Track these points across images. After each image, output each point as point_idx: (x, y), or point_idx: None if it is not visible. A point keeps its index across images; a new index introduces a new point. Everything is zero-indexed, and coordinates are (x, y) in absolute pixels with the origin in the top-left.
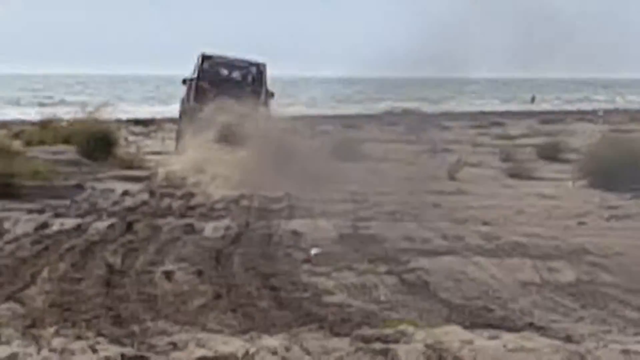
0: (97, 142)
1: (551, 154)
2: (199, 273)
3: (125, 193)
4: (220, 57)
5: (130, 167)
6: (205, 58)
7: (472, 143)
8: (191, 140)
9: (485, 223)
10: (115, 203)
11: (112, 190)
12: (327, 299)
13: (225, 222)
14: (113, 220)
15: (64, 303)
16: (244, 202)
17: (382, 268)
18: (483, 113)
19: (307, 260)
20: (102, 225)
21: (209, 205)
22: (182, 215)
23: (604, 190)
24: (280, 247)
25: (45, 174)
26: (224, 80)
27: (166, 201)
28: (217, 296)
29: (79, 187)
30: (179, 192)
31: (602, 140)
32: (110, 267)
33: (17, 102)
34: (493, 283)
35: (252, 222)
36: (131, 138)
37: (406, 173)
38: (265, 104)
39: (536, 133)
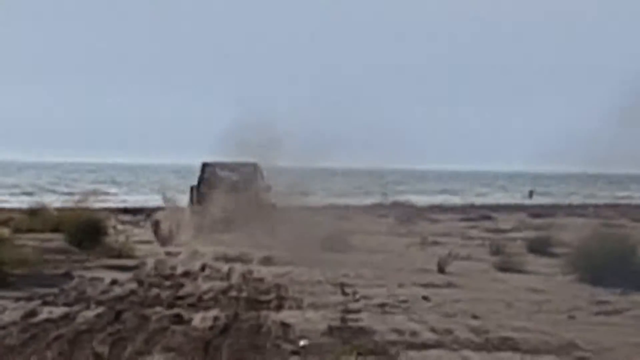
0: (86, 231)
1: (541, 247)
2: None
3: (114, 282)
4: (218, 163)
5: (119, 256)
6: (205, 165)
7: (461, 236)
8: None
9: (474, 316)
10: (103, 292)
11: (101, 279)
12: None
13: (214, 312)
14: (101, 309)
15: None
16: (233, 293)
17: None
18: (473, 206)
19: (296, 352)
20: (90, 314)
21: (197, 295)
22: (171, 305)
23: (593, 285)
24: (269, 338)
25: (34, 262)
26: (222, 182)
27: (154, 291)
28: None
29: (68, 275)
30: (167, 282)
31: (592, 235)
32: (98, 357)
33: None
34: None
35: (241, 312)
36: (120, 227)
37: (396, 265)
38: (260, 196)
39: (526, 227)
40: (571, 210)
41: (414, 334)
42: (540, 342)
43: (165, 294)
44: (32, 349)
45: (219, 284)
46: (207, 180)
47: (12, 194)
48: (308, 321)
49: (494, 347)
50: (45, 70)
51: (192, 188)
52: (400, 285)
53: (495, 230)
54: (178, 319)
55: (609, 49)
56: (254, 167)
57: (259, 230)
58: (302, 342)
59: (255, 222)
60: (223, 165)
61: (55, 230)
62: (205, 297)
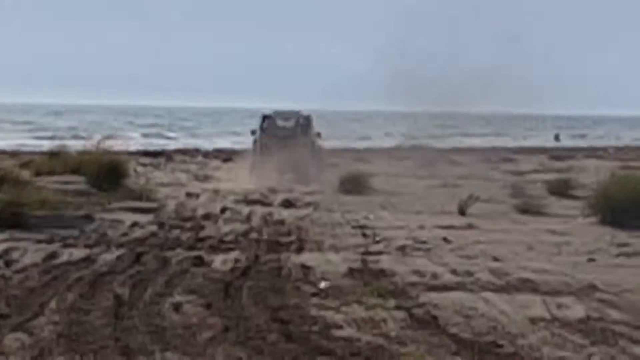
0: (107, 173)
1: (561, 190)
2: (208, 305)
3: (134, 224)
4: (276, 112)
5: (139, 199)
6: (265, 117)
7: (482, 178)
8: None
9: (495, 259)
10: (124, 234)
11: (121, 222)
12: (336, 332)
13: (235, 254)
14: (122, 251)
15: (71, 334)
16: (253, 235)
17: (391, 302)
18: (494, 149)
19: (316, 294)
20: (110, 256)
21: (218, 238)
22: (191, 247)
23: (614, 227)
24: (289, 280)
25: (54, 204)
26: (280, 129)
27: (175, 233)
28: (226, 329)
29: (88, 217)
30: (187, 224)
31: (612, 178)
32: (118, 299)
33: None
34: (502, 319)
35: (261, 255)
36: (140, 169)
37: (416, 207)
38: (313, 142)
39: (547, 169)
40: (591, 152)
41: (434, 276)
42: (560, 284)
43: (185, 236)
44: (53, 291)
45: (240, 226)
46: (266, 128)
47: (34, 137)
48: (328, 263)
49: (514, 288)
50: (79, 11)
51: (254, 138)
52: (421, 227)
53: (516, 173)
54: (198, 261)
55: None
56: (307, 116)
57: (309, 172)
58: (322, 284)
59: (306, 164)
60: (280, 115)
61: (75, 172)
62: (226, 239)
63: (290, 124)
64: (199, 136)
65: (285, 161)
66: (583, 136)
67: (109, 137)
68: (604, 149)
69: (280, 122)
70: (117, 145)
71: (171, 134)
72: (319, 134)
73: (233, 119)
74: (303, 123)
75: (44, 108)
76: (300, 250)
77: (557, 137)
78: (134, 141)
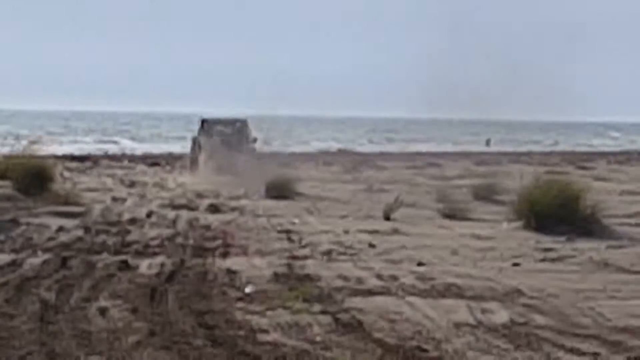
0: (33, 178)
1: (486, 195)
2: (134, 310)
3: (61, 229)
4: (214, 119)
5: (65, 203)
6: (203, 121)
7: (407, 183)
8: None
9: (420, 263)
10: (50, 239)
11: (47, 226)
12: (262, 337)
13: (161, 259)
14: (48, 256)
15: None
16: (179, 240)
17: (317, 307)
18: (419, 154)
19: (242, 299)
20: (36, 260)
21: (144, 242)
22: (117, 252)
23: (538, 232)
24: (215, 284)
25: None
26: (218, 133)
27: (101, 237)
28: (152, 333)
29: (14, 222)
30: (114, 229)
31: (537, 182)
32: (44, 303)
33: None
34: (427, 323)
35: (187, 259)
36: (67, 174)
37: (342, 212)
38: (247, 147)
39: (471, 174)
40: (516, 157)
41: (359, 280)
42: (485, 289)
43: (111, 240)
44: None
45: (166, 231)
46: (205, 132)
47: None
48: (254, 268)
49: (439, 293)
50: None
51: (193, 138)
52: (346, 232)
53: (441, 178)
54: (124, 266)
55: None
56: (244, 122)
57: (241, 174)
58: (248, 289)
59: (239, 167)
60: (218, 121)
61: (1, 177)
62: (152, 244)
63: (228, 129)
64: (141, 140)
65: (223, 163)
66: (513, 141)
67: (35, 142)
68: (529, 154)
69: (218, 127)
70: (43, 149)
71: (115, 139)
72: (255, 139)
73: (174, 125)
74: (239, 128)
75: None
76: (225, 255)
77: (488, 142)
78: (77, 145)
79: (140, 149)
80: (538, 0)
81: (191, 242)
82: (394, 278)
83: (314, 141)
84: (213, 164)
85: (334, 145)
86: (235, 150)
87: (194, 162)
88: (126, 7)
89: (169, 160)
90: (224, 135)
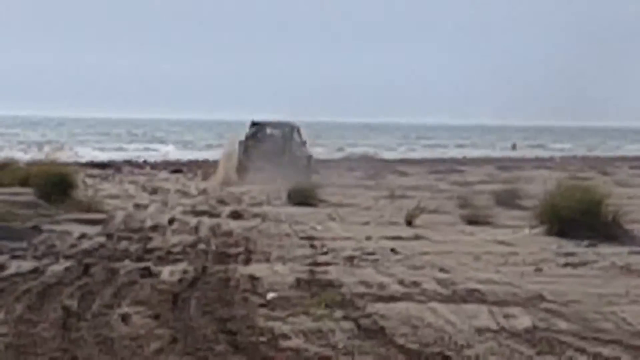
0: (55, 185)
1: (509, 200)
2: (156, 316)
3: (83, 236)
4: (265, 122)
5: (87, 210)
6: (253, 123)
7: (430, 189)
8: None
9: (442, 269)
10: (72, 246)
11: (70, 233)
12: (284, 343)
13: (183, 265)
14: (70, 263)
15: (20, 345)
16: (201, 246)
17: (339, 313)
18: (442, 160)
19: (264, 305)
20: (59, 268)
21: (166, 249)
22: (139, 259)
23: (560, 237)
24: (237, 291)
25: (2, 216)
26: (268, 137)
27: (123, 244)
28: (174, 340)
29: (36, 229)
30: (136, 236)
31: (559, 188)
32: (66, 310)
33: None
34: (449, 329)
35: (209, 266)
36: (89, 181)
37: (364, 218)
38: (298, 150)
39: (494, 179)
40: (539, 162)
41: (381, 286)
42: (507, 294)
43: (133, 247)
44: (1, 302)
45: (188, 238)
46: (255, 135)
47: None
48: (276, 274)
49: (461, 299)
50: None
51: (240, 142)
52: (368, 238)
53: (463, 183)
54: (146, 272)
55: None
56: (293, 125)
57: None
58: (270, 295)
59: (290, 171)
60: (268, 124)
61: (24, 184)
62: (174, 250)
63: (278, 132)
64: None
65: (273, 166)
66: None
67: (58, 149)
68: (551, 159)
69: (268, 130)
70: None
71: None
72: (305, 143)
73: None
74: (289, 131)
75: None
76: (248, 261)
77: (514, 147)
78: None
79: (188, 155)
80: None
81: (213, 248)
82: (416, 284)
83: (349, 147)
84: (264, 165)
85: (369, 152)
86: (286, 152)
87: (241, 167)
88: (160, 12)
89: (191, 167)
90: (274, 137)
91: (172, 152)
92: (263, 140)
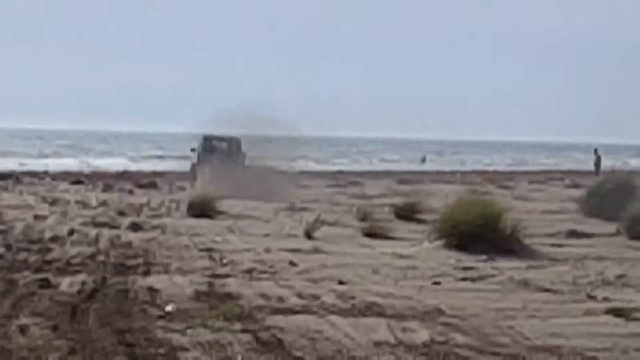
0: None
1: (408, 213)
2: (54, 328)
3: None
4: (213, 135)
5: None
6: (205, 137)
7: (329, 202)
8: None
9: (341, 282)
10: None
11: None
12: (182, 355)
13: (82, 277)
14: None
15: None
16: (101, 258)
17: (238, 326)
18: (341, 172)
19: (163, 317)
20: None
21: (65, 260)
22: (38, 270)
23: (460, 251)
24: (136, 303)
25: None
26: (215, 149)
27: (22, 255)
28: (72, 351)
29: None
30: (35, 247)
31: (458, 202)
32: None
33: None
34: (347, 342)
35: (108, 277)
36: None
37: (263, 230)
38: (241, 161)
39: (393, 193)
40: (439, 176)
41: (280, 299)
42: (406, 308)
43: (33, 258)
44: None
45: (87, 249)
46: (206, 147)
47: None
48: (175, 286)
49: (360, 312)
50: None
51: (195, 152)
52: (268, 251)
53: (362, 197)
54: (45, 284)
55: None
56: (237, 139)
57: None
58: (168, 307)
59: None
60: (217, 138)
61: None
62: (73, 261)
63: (224, 145)
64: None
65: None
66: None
67: None
68: (452, 173)
69: (216, 143)
70: None
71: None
72: (245, 155)
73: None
74: (235, 145)
75: None
76: (147, 273)
77: (423, 159)
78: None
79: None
80: None
81: (112, 260)
82: (315, 297)
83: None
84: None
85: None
86: (232, 162)
87: (193, 172)
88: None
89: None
90: (222, 151)
91: (73, 164)
92: (212, 151)
